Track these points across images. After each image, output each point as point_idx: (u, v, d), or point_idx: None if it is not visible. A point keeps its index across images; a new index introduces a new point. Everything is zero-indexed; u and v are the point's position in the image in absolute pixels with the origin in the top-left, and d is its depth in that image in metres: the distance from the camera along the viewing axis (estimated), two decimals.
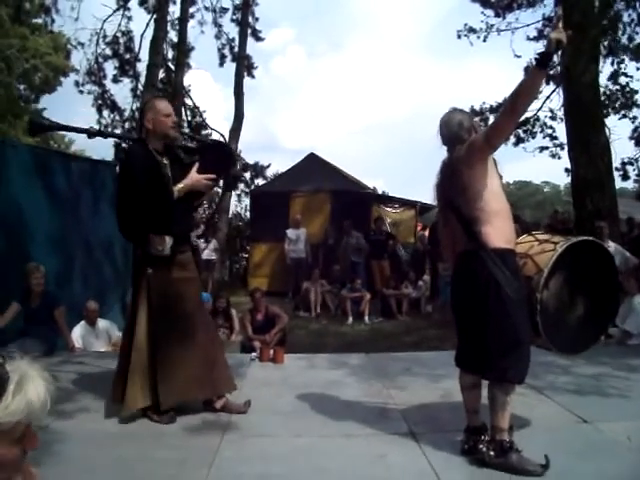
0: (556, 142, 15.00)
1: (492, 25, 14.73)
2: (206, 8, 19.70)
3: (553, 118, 14.72)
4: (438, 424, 3.93)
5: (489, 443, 3.18)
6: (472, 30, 14.94)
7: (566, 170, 12.64)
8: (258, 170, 22.38)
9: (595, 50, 10.81)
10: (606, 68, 13.49)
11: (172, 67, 18.63)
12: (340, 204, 13.30)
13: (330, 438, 3.72)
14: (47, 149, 9.02)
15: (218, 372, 4.14)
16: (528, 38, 14.90)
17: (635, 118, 14.14)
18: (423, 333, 9.29)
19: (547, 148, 15.29)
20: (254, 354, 6.02)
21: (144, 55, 17.56)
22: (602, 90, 12.21)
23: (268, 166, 22.55)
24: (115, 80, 19.71)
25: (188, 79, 19.73)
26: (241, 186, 21.76)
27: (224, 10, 19.67)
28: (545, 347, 3.56)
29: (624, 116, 13.95)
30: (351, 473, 3.23)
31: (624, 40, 13.53)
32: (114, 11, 18.55)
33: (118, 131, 19.26)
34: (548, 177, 56.44)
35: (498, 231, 3.16)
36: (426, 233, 14.25)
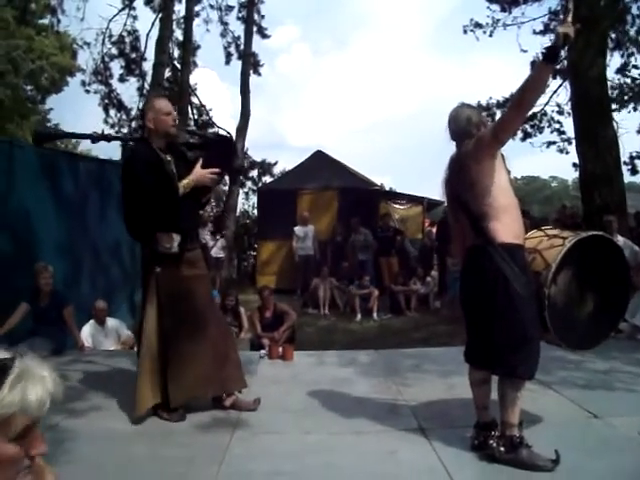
0: (563, 137, 14.93)
1: (498, 20, 14.59)
2: (211, 6, 19.69)
3: (560, 112, 14.65)
4: (448, 420, 3.92)
5: (499, 439, 3.18)
6: (478, 25, 14.84)
7: (574, 165, 12.58)
8: (265, 168, 22.37)
9: (602, 43, 10.73)
10: (613, 61, 13.43)
11: (178, 66, 18.60)
12: (348, 201, 13.29)
13: (340, 435, 3.72)
14: (54, 149, 9.02)
15: (229, 370, 4.14)
16: (534, 32, 14.77)
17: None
18: (432, 329, 9.28)
19: (554, 143, 15.20)
20: (263, 351, 6.03)
21: (150, 54, 17.53)
22: (610, 84, 12.12)
23: (275, 164, 22.56)
24: (121, 79, 19.73)
25: (194, 78, 19.71)
26: (248, 184, 21.82)
27: (229, 8, 19.66)
28: (555, 343, 3.54)
29: (634, 109, 13.85)
30: (361, 470, 3.22)
31: (632, 33, 13.43)
32: (119, 11, 18.56)
33: (125, 130, 19.35)
34: (556, 172, 56.35)
35: (506, 226, 3.14)
36: (434, 229, 14.22)
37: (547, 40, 14.27)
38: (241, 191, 19.53)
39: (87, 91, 19.66)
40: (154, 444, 3.59)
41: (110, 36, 18.93)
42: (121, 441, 3.64)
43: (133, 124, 19.10)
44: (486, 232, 3.15)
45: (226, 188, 17.01)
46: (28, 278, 6.28)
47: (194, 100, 19.84)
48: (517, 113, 3.17)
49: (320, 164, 14.78)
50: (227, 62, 20.03)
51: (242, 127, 16.26)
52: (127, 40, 19.36)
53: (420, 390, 4.65)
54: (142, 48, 19.12)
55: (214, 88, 60.59)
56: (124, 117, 19.85)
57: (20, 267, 6.52)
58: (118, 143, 16.77)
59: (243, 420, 3.98)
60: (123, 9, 18.65)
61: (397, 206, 14.89)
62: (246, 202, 20.78)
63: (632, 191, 15.93)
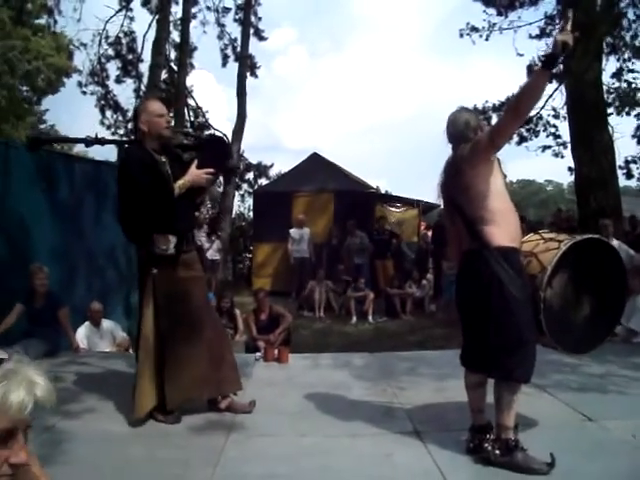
0: (559, 141, 14.95)
1: (494, 24, 14.67)
2: (208, 8, 19.75)
3: (556, 117, 14.67)
4: (443, 423, 3.92)
5: (494, 442, 3.18)
6: (474, 29, 14.90)
7: (569, 169, 12.61)
8: (261, 170, 22.43)
9: (598, 48, 10.78)
10: (609, 66, 13.47)
11: (175, 68, 18.60)
12: (343, 204, 13.28)
13: (335, 438, 3.72)
14: (50, 150, 8.99)
15: (224, 372, 4.14)
16: (530, 36, 14.84)
17: (637, 115, 14.06)
18: (427, 332, 9.29)
19: (550, 147, 15.22)
20: (258, 354, 6.03)
21: (147, 56, 17.55)
22: (605, 88, 12.17)
23: (271, 166, 22.63)
24: (118, 81, 19.75)
25: (191, 80, 19.78)
26: (244, 186, 21.85)
27: (226, 10, 19.71)
28: (551, 346, 3.55)
29: (627, 114, 13.87)
30: (357, 472, 3.22)
31: (627, 38, 13.48)
32: (116, 12, 18.56)
33: (121, 131, 19.35)
34: (551, 176, 56.45)
35: (502, 230, 3.16)
36: (429, 232, 14.25)
37: (543, 44, 14.36)
38: (237, 193, 19.56)
39: (83, 92, 19.72)
40: (150, 446, 3.59)
41: (107, 37, 18.99)
42: (117, 443, 3.64)
43: (129, 125, 19.07)
44: (481, 236, 3.16)
45: (220, 189, 17.02)
46: (23, 279, 6.26)
47: (190, 102, 19.91)
48: (514, 118, 3.19)
49: (316, 166, 14.79)
50: (224, 64, 20.12)
51: (238, 129, 16.25)
52: (124, 41, 19.39)
53: (415, 393, 4.65)
54: (139, 49, 19.20)
55: (210, 90, 60.55)
56: (120, 118, 19.91)
57: (15, 268, 6.49)
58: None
59: (238, 422, 3.98)
60: (120, 10, 18.66)
61: (393, 209, 14.90)
62: (242, 204, 20.86)
63: (627, 195, 15.98)
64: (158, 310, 3.99)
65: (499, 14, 14.73)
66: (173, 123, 11.88)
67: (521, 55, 14.66)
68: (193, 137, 4.98)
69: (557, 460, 3.04)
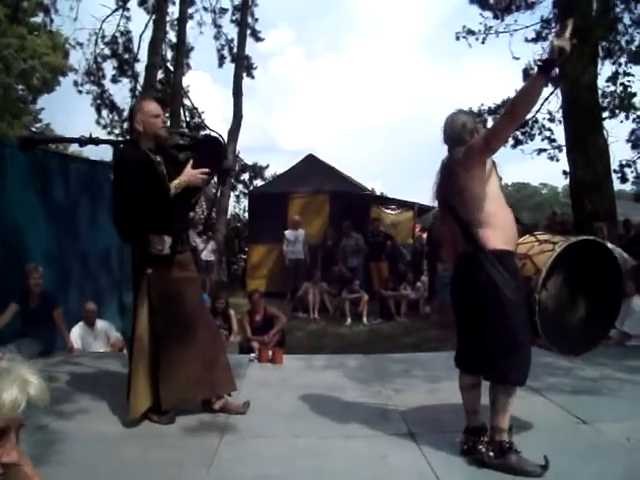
0: (554, 144, 14.96)
1: (490, 27, 14.67)
2: (205, 9, 19.68)
3: (551, 120, 14.67)
4: (437, 425, 3.93)
5: (488, 444, 3.18)
6: (471, 32, 14.90)
7: (564, 172, 12.61)
8: (257, 171, 22.40)
9: (594, 52, 10.81)
10: (604, 70, 13.48)
11: (171, 68, 18.60)
12: (339, 205, 13.29)
13: (330, 439, 3.72)
14: (45, 150, 8.97)
15: (218, 373, 4.13)
16: (526, 40, 14.85)
17: (635, 119, 14.10)
18: (422, 334, 9.28)
19: (545, 150, 15.24)
20: (253, 355, 6.02)
21: (143, 55, 17.52)
22: (600, 92, 12.19)
23: (267, 167, 22.60)
24: (114, 80, 19.72)
25: (187, 80, 19.72)
26: (240, 187, 21.81)
27: (223, 11, 19.65)
28: (547, 348, 3.56)
29: (627, 117, 13.90)
30: (351, 474, 3.23)
31: (623, 42, 13.53)
32: (113, 11, 18.51)
33: (117, 131, 19.33)
34: (546, 179, 56.43)
35: (497, 232, 3.17)
36: (424, 234, 14.25)
37: (539, 48, 14.38)
38: (232, 194, 19.53)
39: (79, 91, 19.69)
40: (144, 447, 3.58)
41: (103, 36, 18.95)
42: (111, 443, 3.63)
43: (125, 125, 19.05)
44: (476, 239, 3.17)
45: (214, 190, 17.01)
46: (17, 279, 6.24)
47: (186, 102, 19.87)
48: (510, 122, 3.19)
49: (311, 168, 14.80)
50: (220, 65, 20.08)
51: (234, 130, 16.23)
52: (120, 41, 19.35)
53: (410, 395, 4.66)
54: (135, 49, 19.15)
55: (206, 91, 60.63)
56: (116, 118, 19.87)
57: (9, 267, 6.47)
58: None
59: (232, 423, 3.97)
60: (116, 10, 18.62)
61: (388, 211, 14.90)
62: (237, 205, 20.79)
63: (621, 199, 15.99)
64: (152, 310, 3.98)
65: (495, 17, 14.76)
66: (169, 123, 11.85)
67: (517, 59, 14.69)
68: (189, 137, 4.98)
69: (551, 463, 3.05)
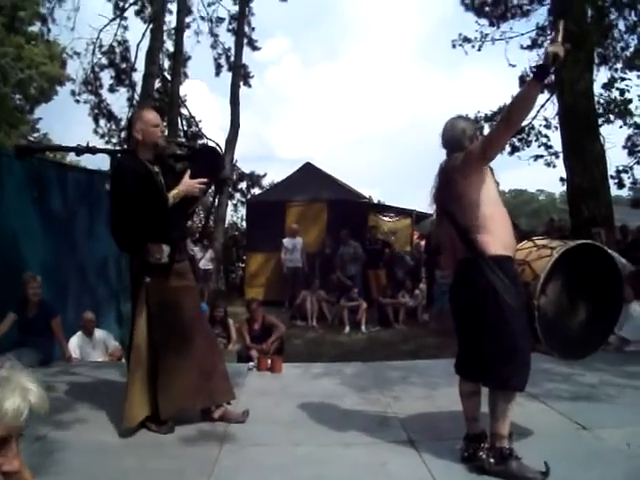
0: (551, 150, 14.99)
1: (486, 34, 14.75)
2: (202, 18, 19.78)
3: (548, 127, 14.71)
4: (437, 432, 3.91)
5: (489, 450, 3.18)
6: (467, 39, 14.97)
7: (561, 179, 12.66)
8: (254, 180, 22.41)
9: (590, 58, 10.85)
10: (600, 77, 13.54)
11: (168, 77, 18.62)
12: (336, 213, 13.30)
13: (329, 447, 3.71)
14: (43, 159, 8.97)
15: (216, 381, 4.12)
16: (522, 47, 14.94)
17: (631, 125, 14.13)
18: (420, 341, 9.28)
19: (542, 156, 15.28)
20: (252, 363, 6.01)
21: (140, 65, 17.55)
22: (596, 98, 12.23)
23: (264, 176, 22.60)
24: (111, 90, 19.79)
25: (184, 89, 19.76)
26: (237, 196, 21.82)
27: (220, 20, 19.75)
28: (547, 353, 3.56)
29: (625, 123, 13.93)
30: None
31: (618, 49, 13.60)
32: (110, 21, 18.62)
33: (115, 140, 19.33)
34: (543, 185, 56.47)
35: (495, 238, 3.17)
36: (422, 242, 14.26)
37: (535, 55, 14.45)
38: (230, 203, 19.53)
39: (77, 101, 19.74)
40: (143, 456, 3.57)
41: (100, 46, 19.04)
42: (111, 453, 3.61)
43: (123, 134, 19.07)
44: (476, 245, 3.17)
45: (211, 199, 17.00)
46: (15, 288, 6.22)
47: (184, 111, 19.90)
48: (506, 129, 3.20)
49: (309, 176, 14.82)
50: (217, 74, 20.17)
51: (231, 139, 16.25)
52: (117, 50, 19.46)
53: (409, 402, 4.65)
54: (132, 58, 19.23)
55: (204, 100, 60.59)
56: (114, 127, 19.90)
57: (7, 277, 6.45)
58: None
59: (232, 432, 3.96)
60: (114, 19, 18.72)
61: (386, 218, 14.93)
62: (235, 214, 20.81)
63: (618, 205, 16.01)
64: (151, 319, 3.98)
65: (491, 25, 14.85)
66: (166, 132, 11.86)
67: (513, 66, 14.78)
68: (186, 147, 4.99)
69: (552, 469, 3.04)
